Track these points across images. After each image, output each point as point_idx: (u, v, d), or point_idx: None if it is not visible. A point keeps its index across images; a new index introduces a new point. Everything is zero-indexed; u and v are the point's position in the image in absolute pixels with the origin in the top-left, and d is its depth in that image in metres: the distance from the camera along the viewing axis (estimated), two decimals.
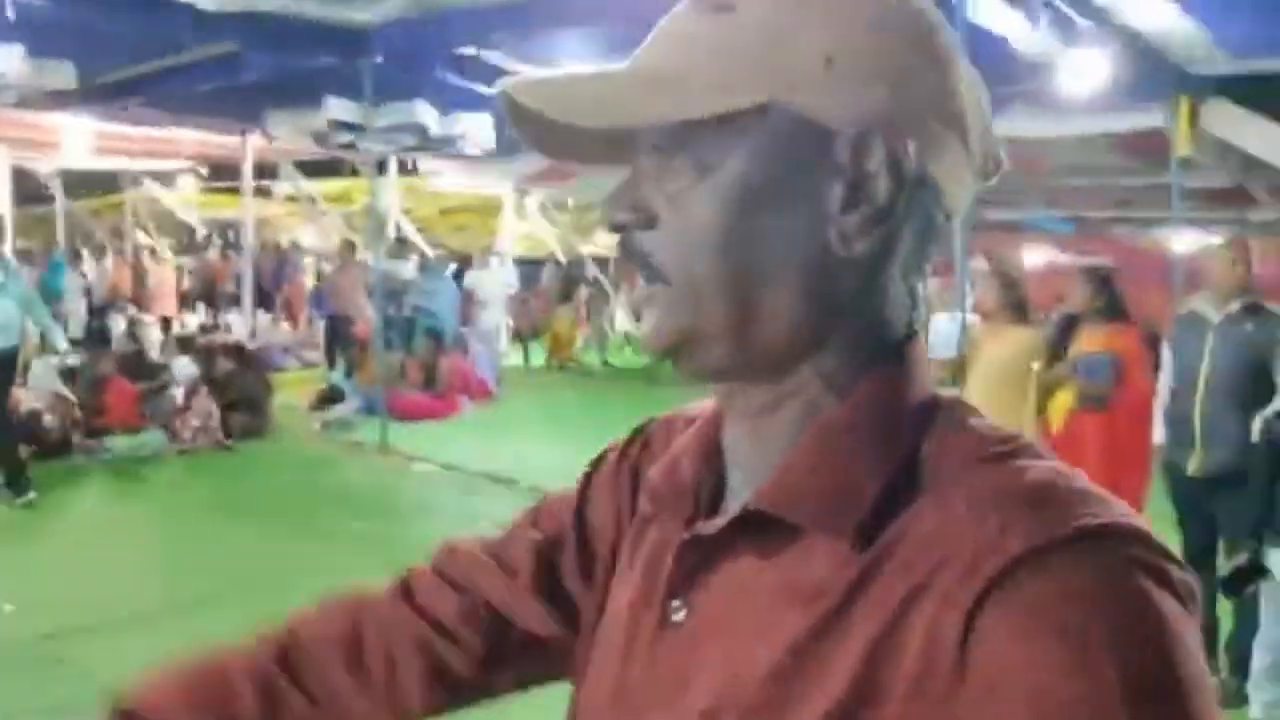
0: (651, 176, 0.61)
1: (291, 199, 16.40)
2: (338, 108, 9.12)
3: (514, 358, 13.78)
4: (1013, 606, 0.50)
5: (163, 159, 14.42)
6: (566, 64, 8.11)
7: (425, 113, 9.18)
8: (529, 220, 16.00)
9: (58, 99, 8.48)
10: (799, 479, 0.59)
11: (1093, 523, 0.51)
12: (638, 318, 0.68)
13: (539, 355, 13.86)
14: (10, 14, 5.96)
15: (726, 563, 0.62)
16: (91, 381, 8.17)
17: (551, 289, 15.29)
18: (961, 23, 5.29)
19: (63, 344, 7.72)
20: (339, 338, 10.92)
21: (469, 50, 7.91)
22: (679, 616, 0.63)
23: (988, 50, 6.57)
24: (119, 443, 7.81)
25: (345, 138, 9.55)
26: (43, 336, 7.75)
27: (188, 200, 17.23)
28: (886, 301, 0.62)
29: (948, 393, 0.64)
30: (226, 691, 0.77)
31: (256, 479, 7.52)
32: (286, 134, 10.24)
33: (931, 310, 6.68)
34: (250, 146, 11.69)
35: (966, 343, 4.66)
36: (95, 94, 8.74)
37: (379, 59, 7.62)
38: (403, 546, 5.90)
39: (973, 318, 5.02)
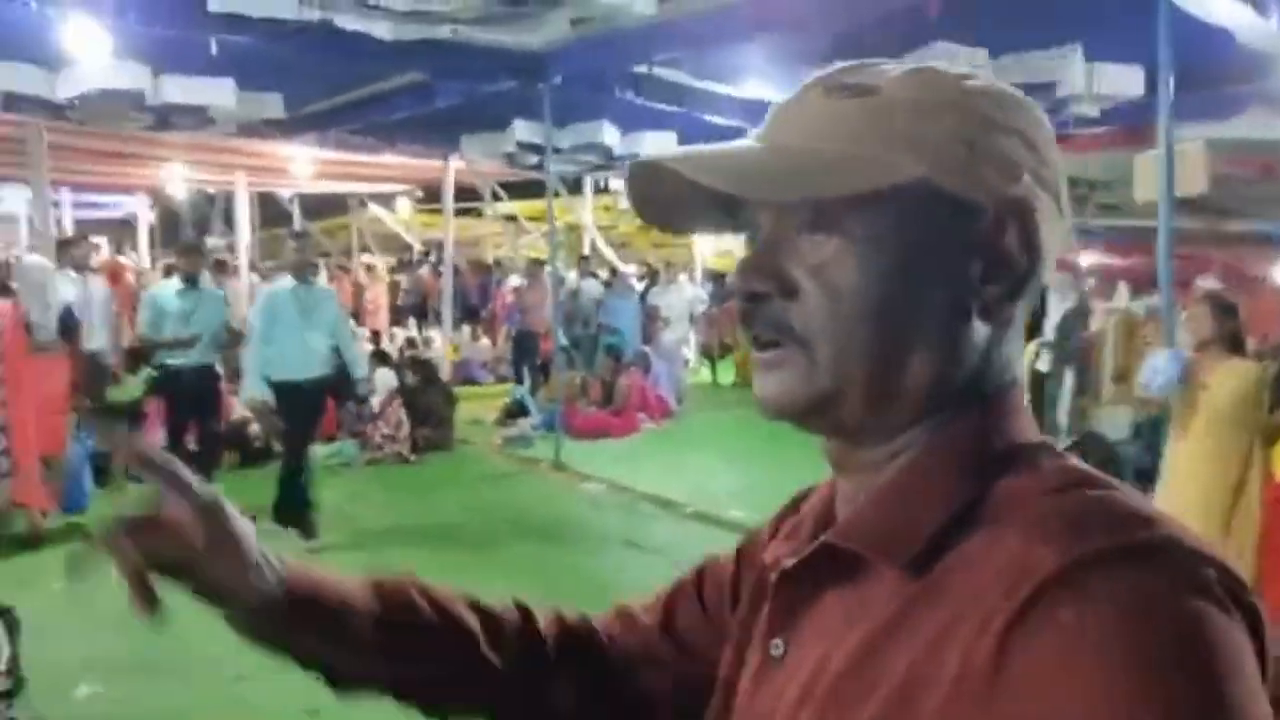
0: (790, 247, 0.64)
1: (509, 218, 17.07)
2: (525, 130, 9.36)
3: (702, 375, 13.67)
4: (1045, 626, 0.51)
5: (378, 183, 15.39)
6: (744, 78, 7.97)
7: (608, 132, 9.26)
8: (724, 236, 15.85)
9: (271, 128, 9.15)
10: (869, 515, 0.64)
11: (1134, 540, 0.52)
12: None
13: (728, 373, 13.67)
14: (214, 50, 6.44)
15: (815, 598, 0.67)
16: None
17: None
18: (1165, 15, 4.75)
19: (361, 371, 6.86)
20: (526, 354, 11.18)
21: (645, 69, 7.90)
22: (777, 652, 0.69)
23: (1208, 45, 5.91)
24: (316, 450, 8.26)
25: (533, 159, 9.79)
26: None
27: (405, 221, 18.29)
28: (1000, 364, 0.66)
29: (1036, 439, 0.65)
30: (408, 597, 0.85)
31: (431, 493, 7.74)
32: (480, 157, 10.61)
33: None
34: (452, 169, 12.21)
35: (1184, 378, 4.12)
36: (303, 123, 9.37)
37: (558, 81, 7.74)
38: (555, 569, 6.08)
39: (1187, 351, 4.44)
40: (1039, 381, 8.51)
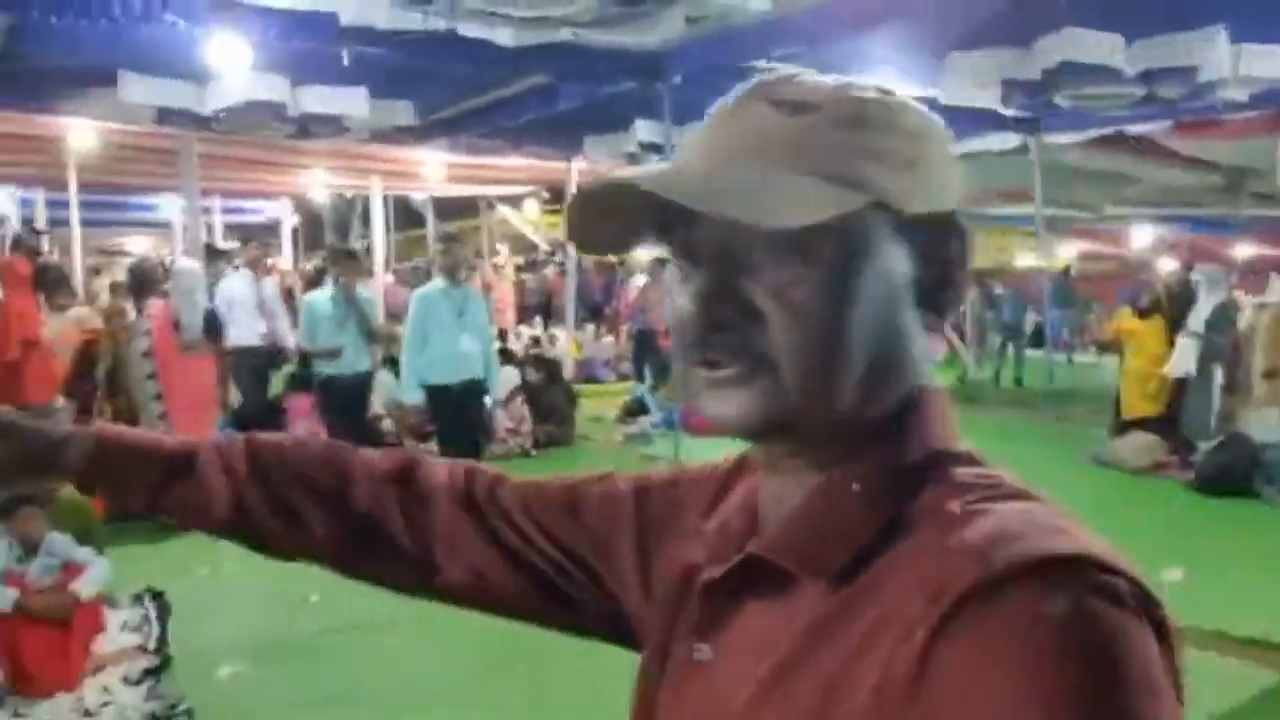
0: (748, 269, 0.64)
1: None
2: (646, 130, 9.44)
3: None
4: (962, 638, 0.52)
5: (505, 185, 15.74)
6: (866, 70, 7.82)
7: None
8: None
9: (403, 134, 9.50)
10: (795, 529, 0.65)
11: (1048, 552, 0.53)
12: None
13: None
14: (346, 61, 6.73)
15: (740, 606, 0.68)
16: None
17: None
18: None
19: (496, 375, 6.88)
20: (647, 352, 11.26)
21: (764, 64, 7.86)
22: (701, 656, 0.70)
23: None
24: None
25: (655, 159, 9.85)
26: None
27: (532, 221, 18.65)
28: (923, 369, 0.68)
29: (954, 445, 0.67)
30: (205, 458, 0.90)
31: None
32: (603, 157, 10.75)
33: None
34: (575, 170, 12.39)
35: None
36: (433, 129, 9.69)
37: (677, 80, 7.77)
38: None
39: None
40: (1184, 380, 8.10)
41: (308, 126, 8.13)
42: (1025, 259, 18.15)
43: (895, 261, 0.65)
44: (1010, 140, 10.70)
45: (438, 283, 6.25)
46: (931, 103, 0.83)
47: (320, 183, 14.33)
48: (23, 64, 6.58)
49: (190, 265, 7.45)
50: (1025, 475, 0.65)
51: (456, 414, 6.13)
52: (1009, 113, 9.01)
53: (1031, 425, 10.04)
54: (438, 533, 0.89)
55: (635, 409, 10.11)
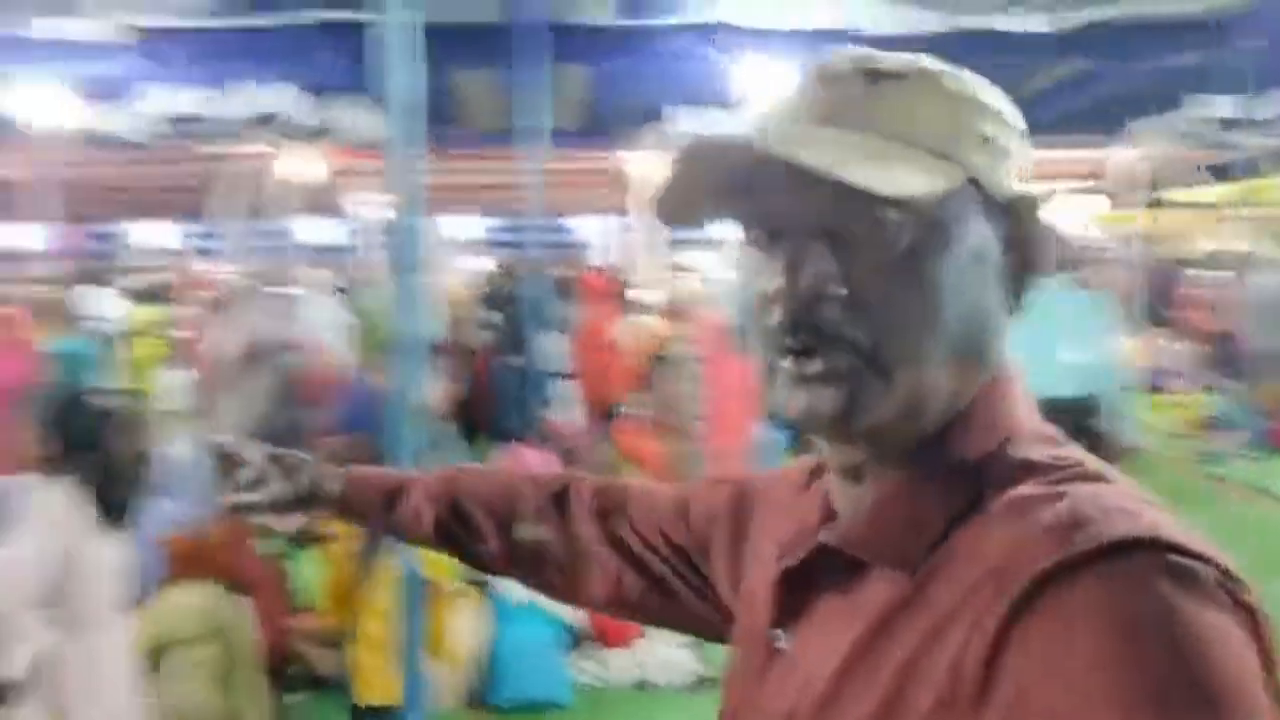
0: (847, 249, 0.61)
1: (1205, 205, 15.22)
2: (1209, 104, 8.29)
3: None
4: (1034, 625, 0.52)
5: (1050, 180, 14.78)
6: None
7: None
8: None
9: None
10: (870, 521, 0.64)
11: (1118, 536, 0.52)
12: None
13: None
14: None
15: (816, 595, 0.68)
16: None
17: None
18: None
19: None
20: (1231, 357, 9.82)
21: None
22: (779, 644, 0.70)
23: None
24: None
25: (1222, 135, 8.62)
26: None
27: (1098, 216, 17.25)
28: (1003, 354, 0.66)
29: (1031, 426, 0.65)
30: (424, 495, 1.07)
31: None
32: (1150, 140, 9.65)
33: None
34: (1115, 159, 11.25)
35: None
36: None
37: (1257, 44, 6.72)
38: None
39: None
40: None
41: None
42: None
43: (986, 243, 0.63)
44: None
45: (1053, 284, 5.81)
46: None
47: None
48: (598, 107, 7.63)
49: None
50: None
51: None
52: None
53: None
54: (581, 547, 0.99)
55: (1212, 422, 8.86)
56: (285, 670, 3.93)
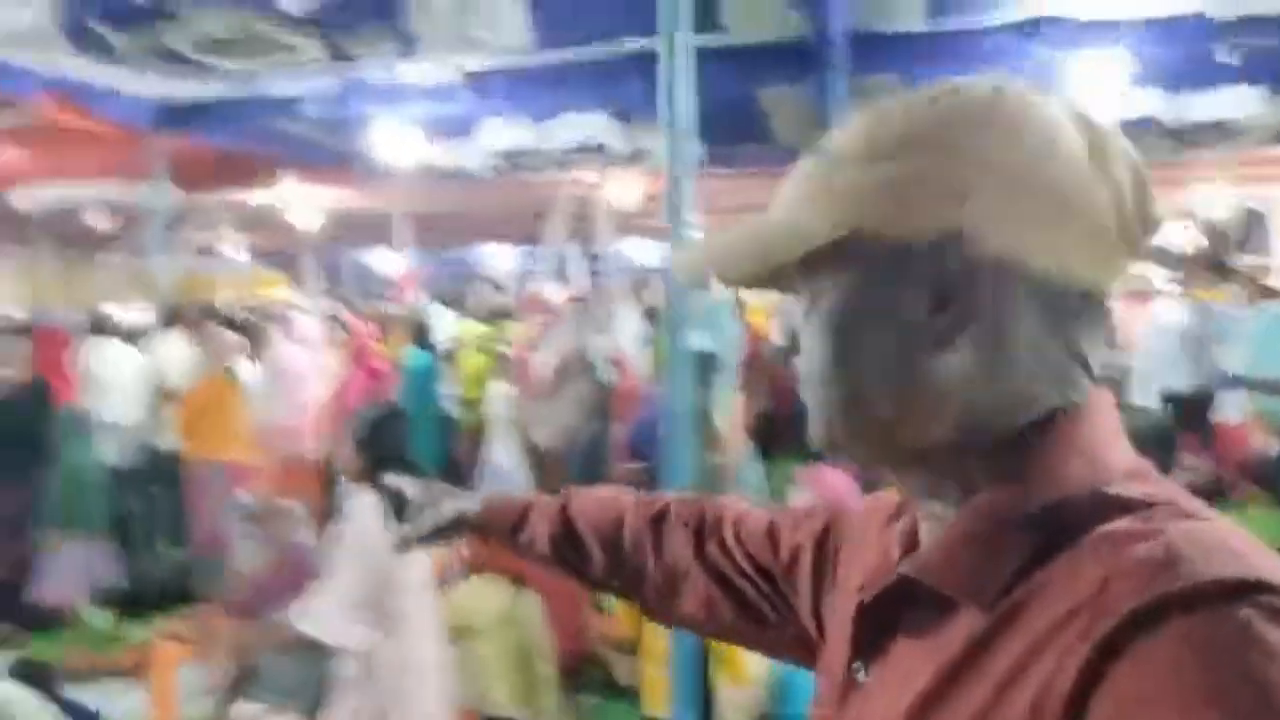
0: (823, 310, 0.69)
1: None
2: None
3: None
4: (1121, 668, 0.50)
5: None
6: None
7: None
8: None
9: None
10: (948, 554, 0.64)
11: (1216, 578, 0.51)
12: None
13: None
14: (1228, 58, 6.04)
15: (895, 627, 0.68)
16: None
17: None
18: None
19: None
20: None
21: None
22: (860, 676, 0.71)
23: None
24: None
25: None
26: None
27: None
28: (1020, 381, 0.63)
29: (1117, 458, 0.63)
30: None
31: None
32: None
33: None
34: None
35: None
36: None
37: None
38: None
39: None
40: None
41: (1189, 137, 7.50)
42: None
43: (885, 286, 0.65)
44: None
45: None
46: None
47: (1213, 197, 13.09)
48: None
49: None
50: None
51: None
52: None
53: None
54: (675, 569, 1.02)
55: None
56: (581, 671, 4.08)
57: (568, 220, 10.51)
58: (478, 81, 6.54)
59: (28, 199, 9.35)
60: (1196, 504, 0.59)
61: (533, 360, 6.22)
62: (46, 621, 5.41)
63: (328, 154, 8.78)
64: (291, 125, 7.80)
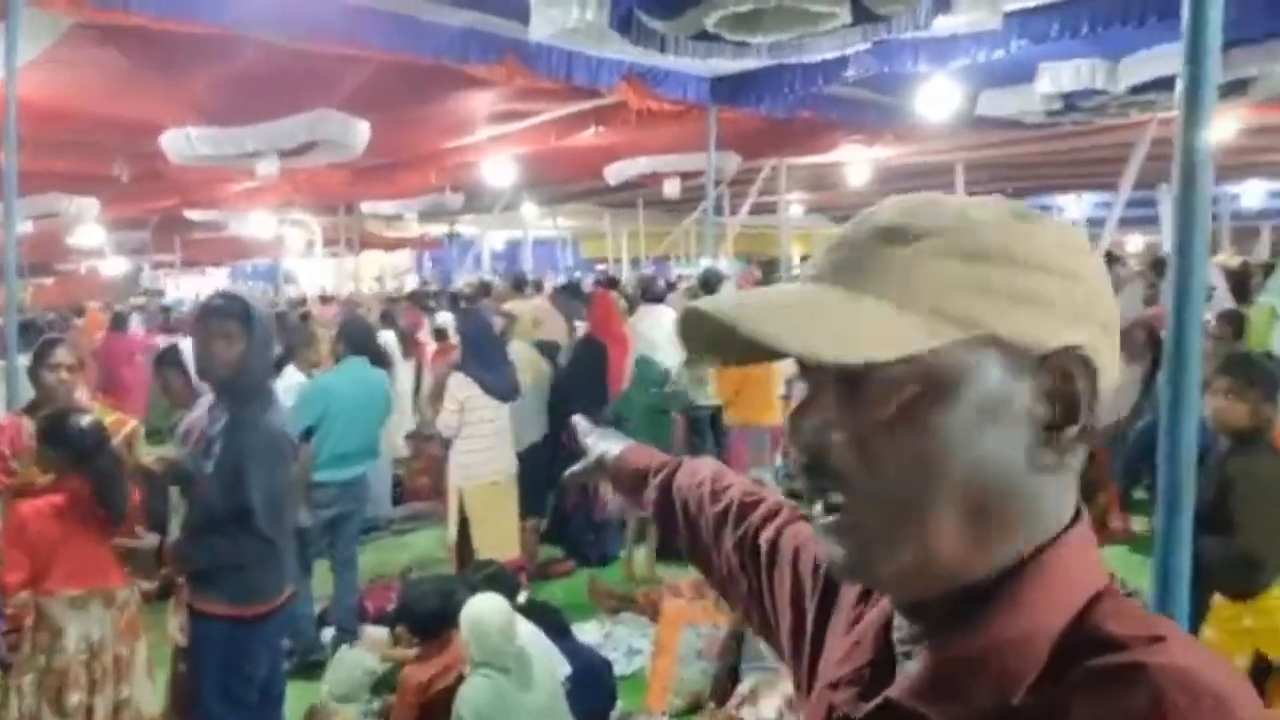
0: (853, 401, 0.62)
1: None
2: None
3: None
4: None
5: None
6: None
7: None
8: None
9: None
10: (939, 677, 0.62)
11: (1219, 710, 0.52)
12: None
13: None
14: None
15: None
16: None
17: None
18: None
19: None
20: None
21: None
22: None
23: None
24: None
25: None
26: None
27: None
28: (1063, 507, 0.64)
29: (1099, 587, 0.62)
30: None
31: None
32: None
33: None
34: None
35: None
36: None
37: None
38: None
39: None
40: None
41: None
42: None
43: (1004, 399, 0.60)
44: None
45: None
46: None
47: None
48: None
49: None
50: None
51: None
52: None
53: None
54: (729, 560, 1.06)
55: None
56: None
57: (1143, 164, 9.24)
58: (1024, 19, 5.89)
59: (614, 173, 10.57)
60: (1181, 634, 0.58)
61: None
62: (606, 558, 6.12)
63: (877, 112, 8.67)
64: (840, 89, 7.79)
